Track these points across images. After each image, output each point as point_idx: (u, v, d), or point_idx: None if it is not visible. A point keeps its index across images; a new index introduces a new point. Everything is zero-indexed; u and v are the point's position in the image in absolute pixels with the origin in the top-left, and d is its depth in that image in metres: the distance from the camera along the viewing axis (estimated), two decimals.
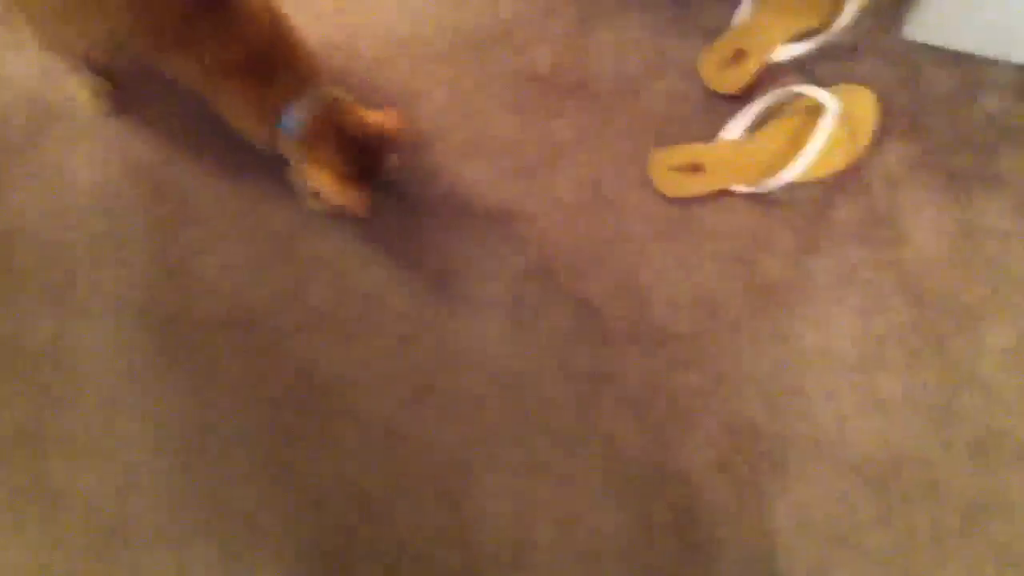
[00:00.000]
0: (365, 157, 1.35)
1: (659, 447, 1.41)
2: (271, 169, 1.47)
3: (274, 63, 1.31)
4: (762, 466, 1.39)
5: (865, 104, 1.54)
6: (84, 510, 1.40)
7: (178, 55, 1.29)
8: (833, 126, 1.47)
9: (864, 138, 1.53)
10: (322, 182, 1.33)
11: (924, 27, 1.57)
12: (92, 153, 1.54)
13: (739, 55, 1.56)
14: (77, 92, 1.52)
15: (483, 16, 1.62)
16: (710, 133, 1.54)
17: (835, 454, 1.40)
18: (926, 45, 1.58)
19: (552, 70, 1.58)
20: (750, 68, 1.55)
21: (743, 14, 1.59)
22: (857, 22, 1.57)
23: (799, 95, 1.52)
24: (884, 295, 1.47)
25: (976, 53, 1.57)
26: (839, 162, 1.52)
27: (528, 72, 1.58)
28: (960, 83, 1.57)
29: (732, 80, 1.54)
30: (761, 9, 1.59)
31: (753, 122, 1.54)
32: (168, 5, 1.25)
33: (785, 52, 1.56)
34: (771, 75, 1.56)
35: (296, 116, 1.33)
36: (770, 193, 1.51)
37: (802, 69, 1.57)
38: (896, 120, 1.55)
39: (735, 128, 1.53)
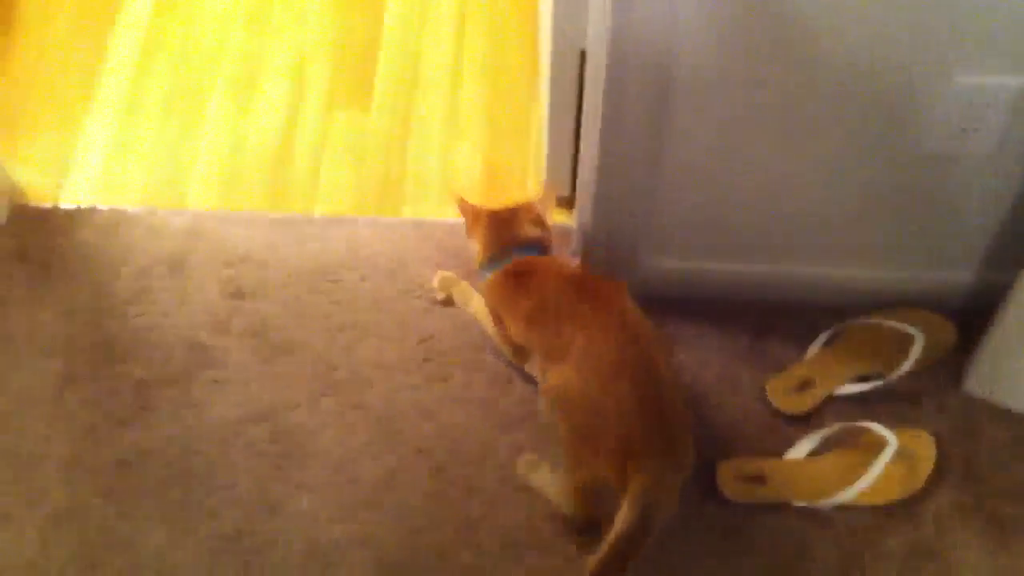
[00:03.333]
0: None
1: None
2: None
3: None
4: None
5: (925, 448, 1.67)
6: None
7: None
8: (891, 461, 1.60)
9: (921, 477, 1.64)
10: None
11: (982, 385, 1.72)
12: (227, 395, 1.78)
13: (806, 384, 1.72)
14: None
15: None
16: (772, 450, 1.68)
17: None
18: (984, 401, 1.72)
19: None
20: (816, 395, 1.72)
21: (813, 351, 1.77)
22: (920, 374, 1.73)
23: (863, 429, 1.66)
24: None
25: None
26: (894, 494, 1.63)
27: None
28: (1014, 439, 1.69)
29: (798, 403, 1.71)
30: (832, 349, 1.77)
31: (817, 446, 1.67)
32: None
33: (849, 388, 1.72)
34: (834, 406, 1.72)
35: None
36: (825, 512, 1.62)
37: (864, 406, 1.71)
38: (951, 464, 1.67)
39: (801, 449, 1.67)
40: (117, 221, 2.00)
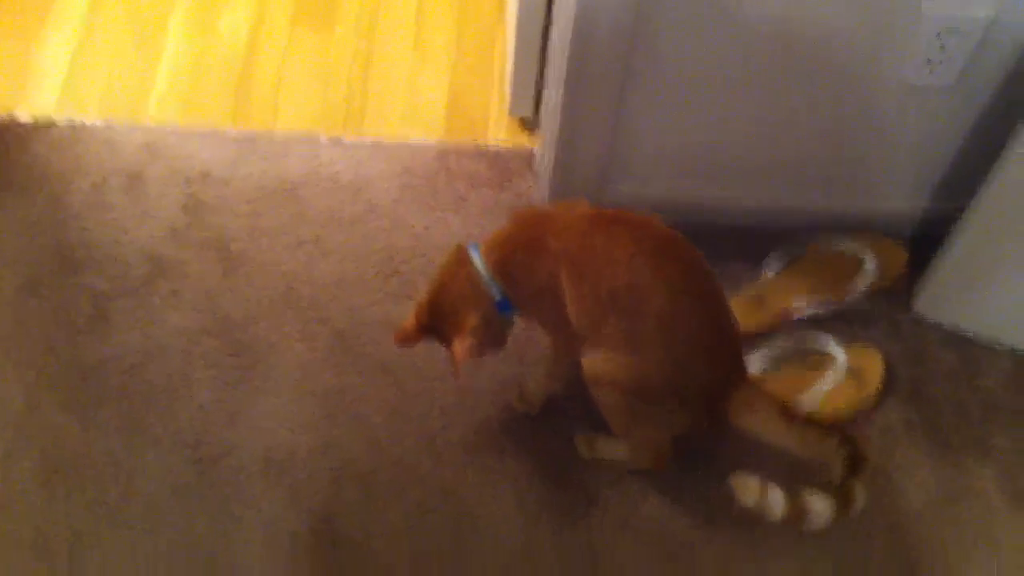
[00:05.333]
0: None
1: None
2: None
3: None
4: None
5: (874, 364, 1.71)
6: None
7: None
8: (839, 376, 1.65)
9: (869, 395, 1.69)
10: None
11: (932, 308, 1.77)
12: (186, 307, 1.78)
13: (760, 302, 1.76)
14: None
15: None
16: None
17: None
18: (933, 323, 1.77)
19: None
20: (770, 314, 1.75)
21: (768, 272, 1.81)
22: (871, 296, 1.77)
23: (813, 346, 1.70)
24: (871, 533, 1.57)
25: (978, 337, 1.75)
26: (842, 410, 1.67)
27: None
28: (960, 360, 1.74)
29: (752, 321, 1.74)
30: (786, 270, 1.81)
31: (769, 363, 1.71)
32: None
33: (803, 308, 1.76)
34: (788, 325, 1.76)
35: None
36: None
37: (816, 326, 1.75)
38: (899, 383, 1.72)
39: (753, 366, 1.70)
40: (74, 134, 1.98)
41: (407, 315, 1.51)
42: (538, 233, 1.44)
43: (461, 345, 1.44)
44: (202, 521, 1.58)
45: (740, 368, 1.45)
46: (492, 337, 1.50)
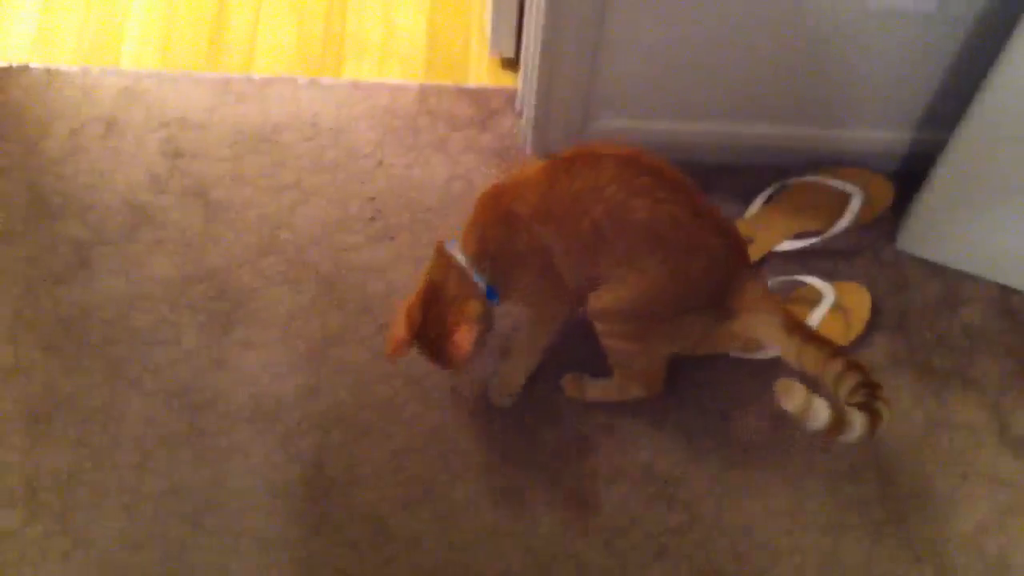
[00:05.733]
0: None
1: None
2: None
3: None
4: None
5: (861, 300, 1.72)
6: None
7: None
8: (827, 313, 1.65)
9: (856, 329, 1.69)
10: None
11: (915, 242, 1.77)
12: (169, 254, 1.76)
13: (747, 240, 1.75)
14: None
15: None
16: None
17: None
18: (917, 257, 1.77)
19: None
20: (756, 251, 1.74)
21: (754, 209, 1.80)
22: (855, 231, 1.77)
23: (802, 283, 1.70)
24: (856, 468, 1.59)
25: (960, 269, 1.75)
26: None
27: None
28: (944, 293, 1.74)
29: None
30: (772, 206, 1.80)
31: None
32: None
33: (788, 245, 1.76)
34: (774, 262, 1.76)
35: None
36: (761, 360, 1.66)
37: (803, 262, 1.75)
38: (884, 318, 1.72)
39: None
40: (50, 80, 1.94)
41: (396, 323, 1.43)
42: (502, 207, 1.45)
43: (468, 334, 1.42)
44: (191, 467, 1.59)
45: (743, 256, 1.46)
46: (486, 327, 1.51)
